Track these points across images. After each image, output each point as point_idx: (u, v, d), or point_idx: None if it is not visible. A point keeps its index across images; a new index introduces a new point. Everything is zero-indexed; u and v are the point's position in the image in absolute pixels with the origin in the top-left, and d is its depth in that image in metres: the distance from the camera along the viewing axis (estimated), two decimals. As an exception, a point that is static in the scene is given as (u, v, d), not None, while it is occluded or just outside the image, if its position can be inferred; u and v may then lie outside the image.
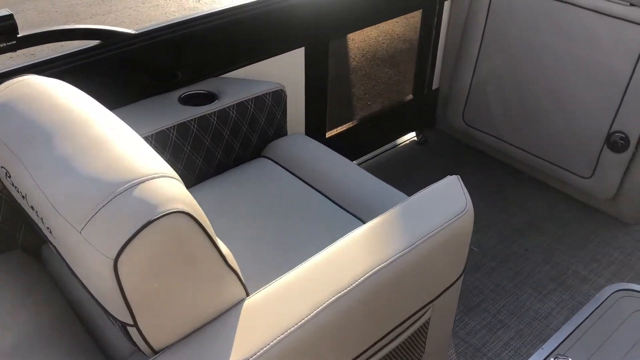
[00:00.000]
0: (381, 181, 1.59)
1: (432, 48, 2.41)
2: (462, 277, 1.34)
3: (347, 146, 2.32)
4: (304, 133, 2.07)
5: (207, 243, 0.91)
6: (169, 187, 0.89)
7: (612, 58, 1.95)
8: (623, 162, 2.03)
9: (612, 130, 2.02)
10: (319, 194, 1.56)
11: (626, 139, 1.99)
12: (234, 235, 1.42)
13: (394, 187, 2.34)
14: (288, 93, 1.93)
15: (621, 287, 1.90)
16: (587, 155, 2.12)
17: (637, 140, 1.99)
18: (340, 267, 1.09)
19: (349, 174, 1.60)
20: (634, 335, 1.73)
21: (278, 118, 1.75)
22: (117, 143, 0.94)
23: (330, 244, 1.16)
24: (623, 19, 1.89)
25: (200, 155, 1.61)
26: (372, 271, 1.08)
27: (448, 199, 1.27)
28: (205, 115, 1.57)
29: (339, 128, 2.26)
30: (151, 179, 0.88)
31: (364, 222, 1.47)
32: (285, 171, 1.64)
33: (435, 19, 2.34)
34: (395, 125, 2.51)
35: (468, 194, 1.30)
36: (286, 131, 1.80)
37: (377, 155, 2.53)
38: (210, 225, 0.94)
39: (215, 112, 1.59)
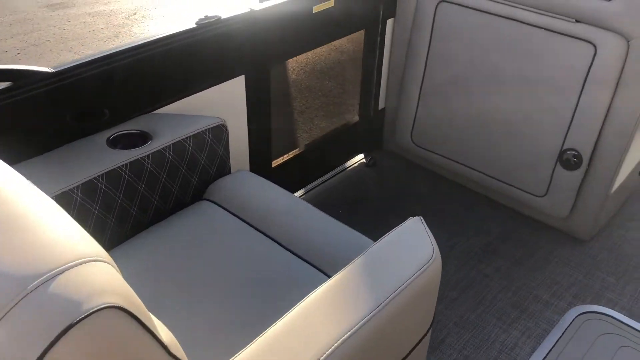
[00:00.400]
0: (340, 223, 1.47)
1: (376, 68, 2.32)
2: (431, 330, 1.24)
3: (295, 174, 2.20)
4: (248, 167, 1.93)
5: (146, 338, 0.77)
6: (96, 274, 0.73)
7: (561, 75, 1.91)
8: (576, 180, 2.00)
9: (564, 148, 1.99)
10: (271, 241, 1.43)
11: (579, 157, 1.96)
12: (176, 301, 1.27)
13: (346, 214, 2.23)
14: (229, 125, 1.79)
15: (584, 310, 1.86)
16: (540, 173, 2.08)
17: (590, 158, 1.96)
18: (303, 339, 0.96)
19: (304, 215, 1.47)
20: (602, 359, 1.69)
21: (220, 155, 1.61)
22: (29, 221, 0.78)
23: (290, 305, 1.03)
24: (570, 35, 1.85)
25: (134, 203, 1.44)
26: (338, 342, 0.96)
27: (413, 245, 1.16)
28: (138, 159, 1.41)
29: (285, 156, 2.13)
30: (73, 266, 0.73)
31: (324, 273, 1.35)
32: (231, 215, 1.50)
33: (379, 39, 2.25)
34: (342, 148, 2.40)
35: (433, 238, 1.20)
36: (229, 168, 1.66)
37: (326, 181, 2.42)
38: (149, 315, 0.79)
39: (149, 154, 1.43)
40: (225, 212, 1.51)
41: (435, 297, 1.20)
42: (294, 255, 1.39)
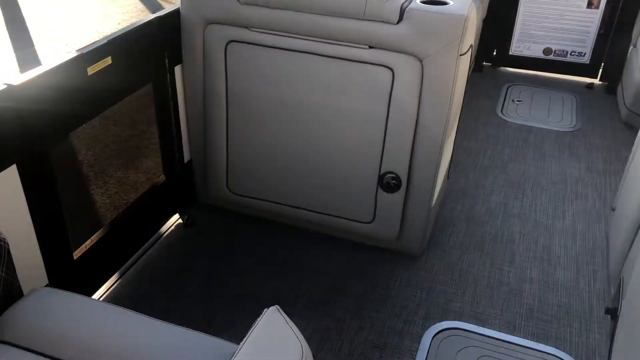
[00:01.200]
0: (181, 328, 1.22)
1: (173, 121, 2.10)
2: None
3: (105, 259, 1.88)
4: (45, 277, 1.58)
5: None
6: None
7: (366, 102, 1.89)
8: (399, 201, 2.01)
9: (382, 172, 1.97)
10: None
11: (397, 178, 1.96)
12: None
13: (176, 289, 1.97)
14: (8, 233, 1.43)
15: (437, 330, 1.86)
16: (364, 200, 2.05)
17: (407, 177, 1.97)
18: None
19: (136, 331, 1.20)
20: None
21: (3, 278, 1.26)
22: None
23: None
24: (367, 62, 1.84)
25: None
26: None
27: (278, 348, 0.99)
28: None
29: (87, 242, 1.81)
30: None
31: None
32: (37, 356, 1.17)
33: (169, 89, 2.04)
34: (153, 213, 2.13)
35: (296, 329, 1.04)
36: (20, 290, 1.31)
37: (144, 254, 2.12)
38: None
39: None
40: (27, 352, 1.18)
41: None
42: None
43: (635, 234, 1.83)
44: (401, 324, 1.88)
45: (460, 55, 1.75)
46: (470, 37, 1.82)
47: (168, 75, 2.01)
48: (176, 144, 2.16)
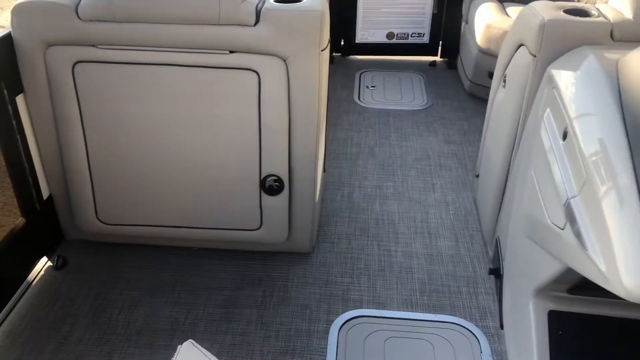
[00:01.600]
0: None
1: (24, 156, 1.90)
2: None
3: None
4: None
5: None
6: None
7: (235, 108, 1.84)
8: (284, 202, 1.99)
9: (263, 176, 1.94)
10: None
11: (279, 180, 1.95)
12: None
13: (58, 340, 1.79)
14: None
15: (341, 322, 1.88)
16: (249, 208, 2.01)
17: (289, 177, 1.96)
18: None
19: None
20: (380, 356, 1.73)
21: None
22: None
23: None
24: (230, 67, 1.79)
25: None
26: None
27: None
28: None
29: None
30: None
31: None
32: None
33: (14, 123, 1.83)
34: (16, 262, 1.92)
35: (214, 358, 0.98)
36: None
37: (13, 308, 1.90)
38: None
39: None
40: None
41: None
42: None
43: (502, 196, 1.99)
44: (306, 324, 1.87)
45: (322, 50, 1.77)
46: (328, 32, 1.85)
47: (9, 107, 1.81)
48: (31, 180, 1.95)
